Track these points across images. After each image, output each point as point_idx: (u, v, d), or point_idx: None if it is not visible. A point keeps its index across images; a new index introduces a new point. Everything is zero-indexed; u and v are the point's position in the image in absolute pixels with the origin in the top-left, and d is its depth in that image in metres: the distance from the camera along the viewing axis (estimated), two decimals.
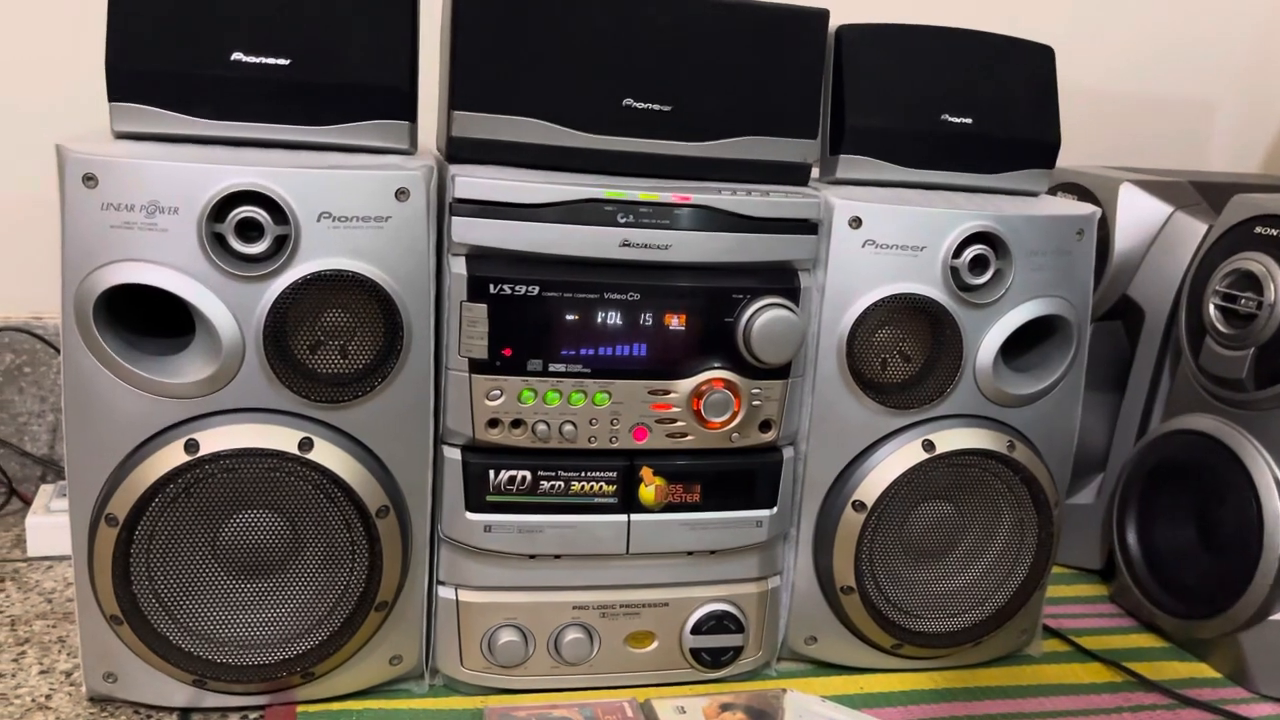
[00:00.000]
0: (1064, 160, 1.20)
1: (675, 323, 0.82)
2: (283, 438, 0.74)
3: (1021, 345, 0.91)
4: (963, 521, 0.90)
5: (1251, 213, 0.97)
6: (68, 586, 0.96)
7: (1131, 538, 1.05)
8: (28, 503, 1.08)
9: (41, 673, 0.84)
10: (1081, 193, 1.15)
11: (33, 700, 0.80)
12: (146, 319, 0.75)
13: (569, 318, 0.80)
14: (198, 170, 0.71)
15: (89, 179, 0.70)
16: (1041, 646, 0.99)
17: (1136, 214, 1.11)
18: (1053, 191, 1.19)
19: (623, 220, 0.79)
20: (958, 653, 0.94)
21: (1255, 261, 0.95)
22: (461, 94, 0.79)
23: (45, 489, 1.08)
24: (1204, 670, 0.98)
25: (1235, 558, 0.94)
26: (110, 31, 0.74)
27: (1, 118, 1.07)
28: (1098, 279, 1.12)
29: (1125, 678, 0.95)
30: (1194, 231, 1.08)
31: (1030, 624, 0.97)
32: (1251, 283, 0.95)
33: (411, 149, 0.80)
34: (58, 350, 1.01)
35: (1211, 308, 0.98)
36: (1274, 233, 0.95)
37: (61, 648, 0.87)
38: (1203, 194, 1.11)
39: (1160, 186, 1.12)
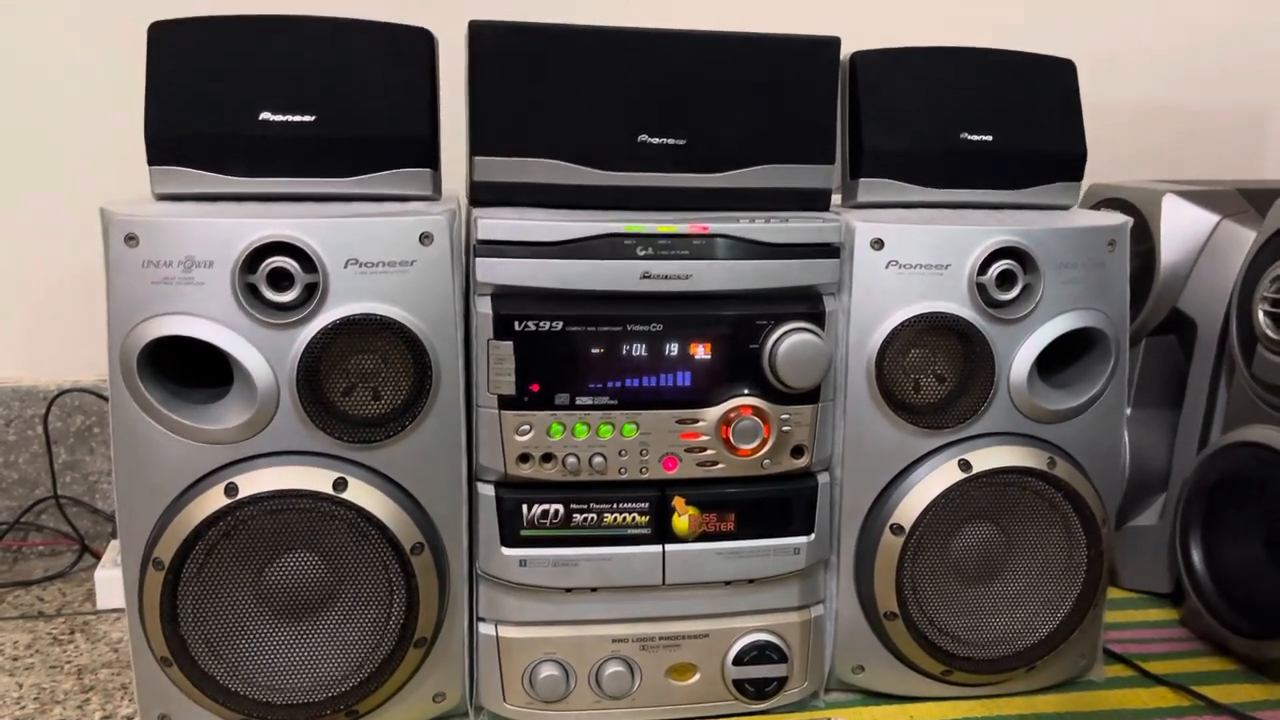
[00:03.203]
0: (1115, 175, 1.19)
1: (700, 351, 0.83)
2: (318, 479, 0.77)
3: (1062, 360, 0.90)
4: (1007, 542, 0.88)
5: None
6: (130, 635, 0.99)
7: (1197, 557, 1.02)
8: (98, 558, 1.12)
9: (103, 718, 0.87)
10: (1125, 206, 1.13)
11: None
12: (189, 368, 0.78)
13: (594, 351, 0.81)
14: (229, 225, 0.75)
15: (130, 239, 0.74)
16: (1104, 672, 0.96)
17: (1181, 225, 1.09)
18: (1097, 207, 1.17)
19: (642, 253, 0.81)
20: (1012, 679, 0.91)
21: None
22: (481, 140, 0.82)
23: (114, 544, 1.12)
24: (1278, 692, 0.94)
25: None
26: (148, 103, 0.78)
27: (68, 196, 1.14)
28: (1145, 293, 1.10)
29: (1193, 702, 0.92)
30: (1243, 239, 1.05)
31: (1089, 648, 0.94)
32: None
33: (435, 195, 0.83)
34: None
35: (1261, 315, 0.96)
36: None
37: (124, 694, 0.90)
38: (1250, 201, 1.09)
39: (1205, 196, 1.09)
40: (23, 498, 1.17)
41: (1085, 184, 1.18)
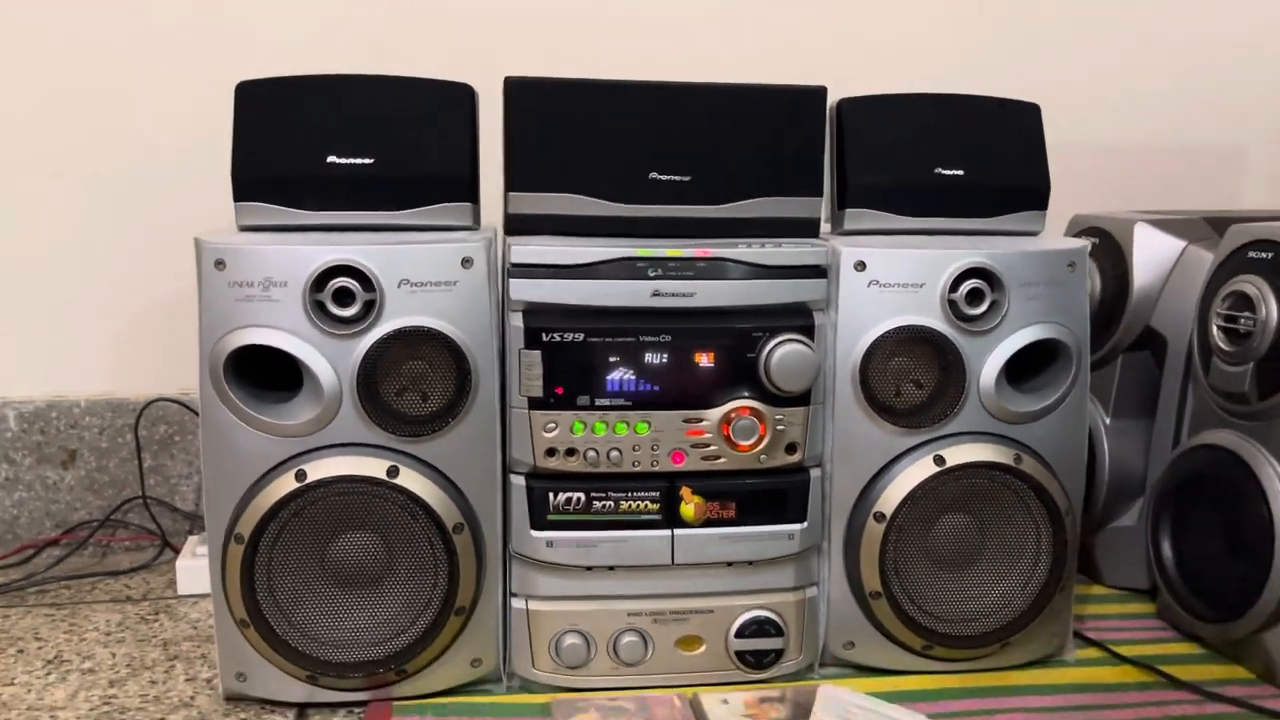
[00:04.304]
0: (1099, 208, 1.30)
1: (704, 359, 0.95)
2: (374, 466, 0.90)
3: (1034, 369, 1.01)
4: (980, 529, 0.99)
5: (1246, 239, 1.05)
6: (209, 617, 1.12)
7: (1166, 550, 1.11)
8: (177, 552, 1.26)
9: (187, 680, 1.00)
10: (1102, 234, 1.24)
11: (179, 700, 0.96)
12: (263, 374, 0.92)
13: (611, 359, 0.93)
14: (301, 251, 0.88)
15: (219, 263, 0.88)
16: (1075, 653, 1.05)
17: (1152, 251, 1.19)
18: (1079, 235, 1.28)
19: (653, 274, 0.93)
20: (988, 654, 1.01)
21: (1249, 284, 1.02)
22: (514, 178, 0.96)
23: (192, 539, 1.26)
24: (1239, 672, 1.03)
25: (1254, 559, 1.00)
26: (235, 149, 0.93)
27: (155, 232, 1.29)
28: (1121, 313, 1.20)
29: (1157, 679, 1.01)
30: (1207, 262, 1.15)
31: (1060, 629, 1.04)
32: (1248, 303, 1.02)
33: (475, 225, 0.97)
34: None
35: (1215, 328, 1.06)
36: (1266, 256, 1.02)
37: (204, 662, 1.03)
38: (1215, 228, 1.19)
39: (1173, 224, 1.20)
40: (112, 498, 1.32)
41: (1070, 215, 1.31)
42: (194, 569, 1.18)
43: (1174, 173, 1.50)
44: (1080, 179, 1.43)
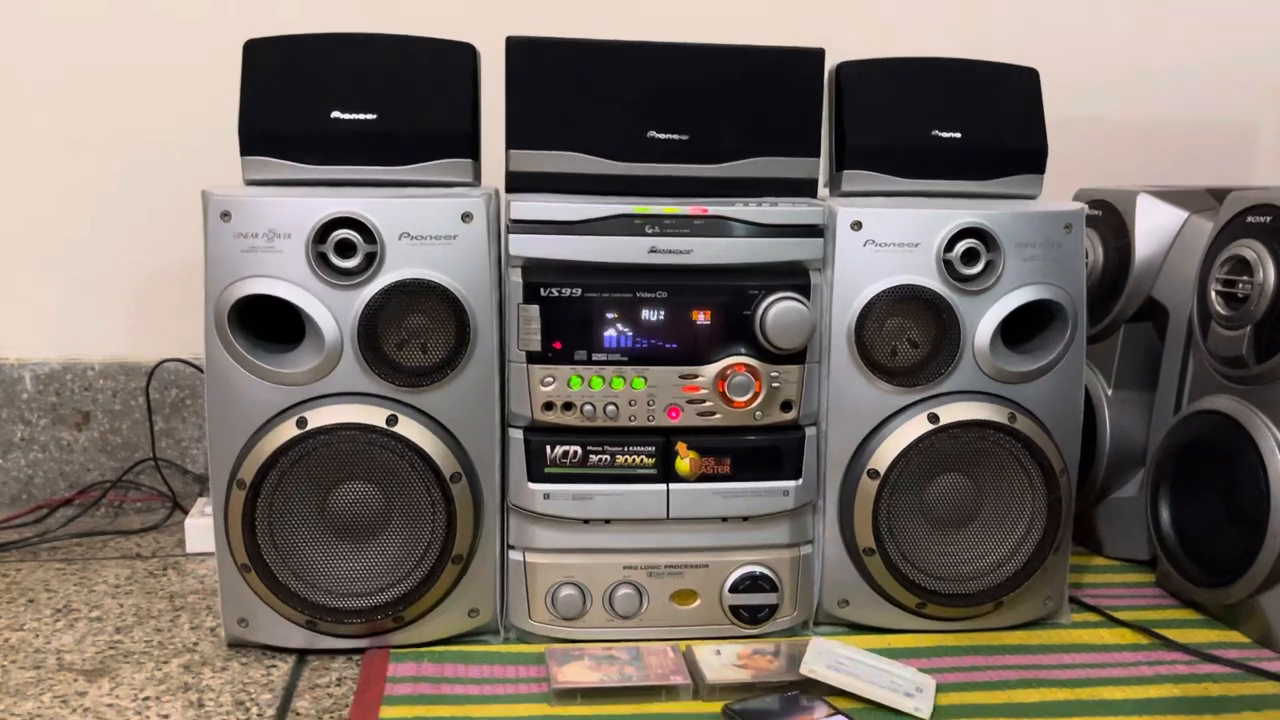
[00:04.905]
0: (1110, 182, 1.30)
1: (700, 316, 0.96)
2: (373, 415, 0.91)
3: (1030, 332, 1.01)
4: (974, 487, 0.99)
5: (1244, 205, 1.05)
6: (215, 573, 1.14)
7: (1165, 516, 1.11)
8: (187, 512, 1.28)
9: (191, 628, 1.02)
10: (1105, 206, 1.24)
11: (182, 645, 0.98)
12: (266, 329, 0.94)
13: (608, 314, 0.95)
14: (304, 204, 0.90)
15: (225, 215, 0.90)
16: (1070, 616, 1.05)
17: (1154, 222, 1.19)
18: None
19: (650, 231, 0.94)
20: (982, 614, 1.02)
21: (1248, 248, 1.02)
22: (515, 136, 0.97)
23: (200, 500, 1.28)
24: (1236, 636, 1.03)
25: (1251, 523, 1.00)
26: (242, 105, 0.95)
27: (167, 201, 1.32)
28: (1123, 284, 1.20)
29: (1151, 641, 1.01)
30: (1207, 232, 1.15)
31: (1055, 591, 1.04)
32: (1246, 267, 1.02)
33: (475, 182, 0.98)
34: None
35: (1214, 294, 1.06)
36: (1264, 220, 1.03)
37: (209, 613, 1.05)
38: (1217, 199, 1.19)
39: (1175, 195, 1.20)
40: (124, 459, 1.34)
41: (1075, 189, 1.31)
42: (202, 527, 1.20)
43: (1185, 149, 1.50)
44: (1090, 155, 1.43)
